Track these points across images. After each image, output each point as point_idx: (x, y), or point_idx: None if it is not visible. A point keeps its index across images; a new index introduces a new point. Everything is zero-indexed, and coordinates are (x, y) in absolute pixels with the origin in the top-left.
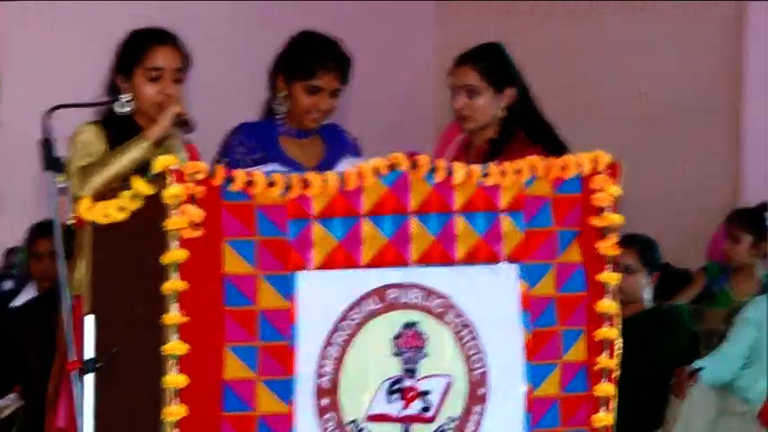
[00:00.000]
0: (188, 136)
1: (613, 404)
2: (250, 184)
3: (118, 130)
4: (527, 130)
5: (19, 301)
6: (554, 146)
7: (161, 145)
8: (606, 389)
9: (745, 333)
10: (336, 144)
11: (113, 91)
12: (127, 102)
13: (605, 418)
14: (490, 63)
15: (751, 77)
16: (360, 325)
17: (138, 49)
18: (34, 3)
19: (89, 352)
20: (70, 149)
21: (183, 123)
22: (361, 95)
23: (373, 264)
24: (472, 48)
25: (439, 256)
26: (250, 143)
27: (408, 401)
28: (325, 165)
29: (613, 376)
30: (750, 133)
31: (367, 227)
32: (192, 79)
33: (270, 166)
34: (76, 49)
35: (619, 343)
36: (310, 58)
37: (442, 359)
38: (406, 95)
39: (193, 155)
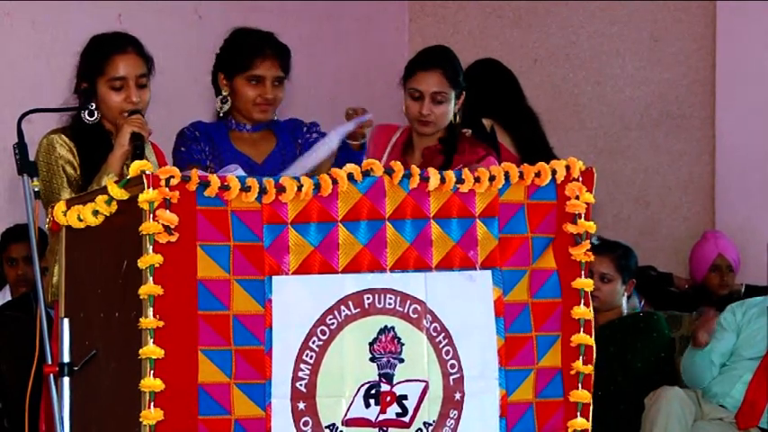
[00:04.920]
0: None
1: (590, 410)
2: (225, 189)
3: (86, 138)
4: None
5: None
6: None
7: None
8: (582, 395)
9: (724, 338)
10: (291, 135)
11: (80, 97)
12: (91, 111)
13: (582, 423)
14: (455, 70)
15: (723, 82)
16: (336, 330)
17: (98, 59)
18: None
19: (65, 355)
20: (45, 166)
21: (139, 148)
22: (335, 97)
23: (349, 269)
24: (431, 52)
25: (414, 261)
26: (201, 135)
27: (385, 406)
28: (272, 159)
29: (590, 382)
30: (724, 138)
31: (342, 233)
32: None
33: (231, 167)
34: (39, 55)
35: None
36: (246, 51)
37: (418, 364)
38: (379, 97)
39: (160, 156)
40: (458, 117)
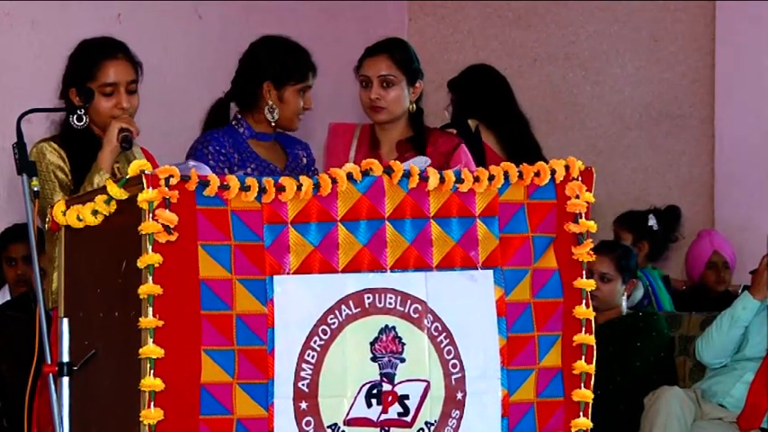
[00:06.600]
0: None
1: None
2: (224, 188)
3: (76, 144)
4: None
5: None
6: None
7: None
8: (584, 394)
9: (736, 326)
10: (292, 146)
11: (68, 102)
12: (79, 116)
13: (585, 423)
14: (404, 55)
15: (723, 82)
16: (337, 330)
17: (89, 65)
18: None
19: (64, 355)
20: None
21: (126, 140)
22: (335, 97)
23: (350, 269)
24: (381, 41)
25: (415, 261)
26: (225, 149)
27: (387, 406)
28: (291, 166)
29: (591, 382)
30: (723, 138)
31: (342, 232)
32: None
33: (191, 163)
34: (39, 55)
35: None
36: (302, 62)
37: (420, 364)
38: None
39: (151, 160)
40: (413, 106)
